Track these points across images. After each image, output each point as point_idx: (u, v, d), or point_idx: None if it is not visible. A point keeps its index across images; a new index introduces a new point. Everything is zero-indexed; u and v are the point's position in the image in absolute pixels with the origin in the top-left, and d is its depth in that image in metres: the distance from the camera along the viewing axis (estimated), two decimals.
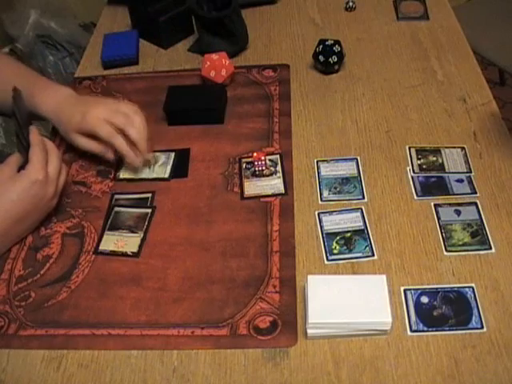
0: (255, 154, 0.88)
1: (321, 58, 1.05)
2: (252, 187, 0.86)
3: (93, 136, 0.88)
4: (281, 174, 0.87)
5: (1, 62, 0.98)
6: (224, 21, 1.07)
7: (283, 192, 0.85)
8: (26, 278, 0.77)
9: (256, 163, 0.88)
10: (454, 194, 0.83)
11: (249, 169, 0.89)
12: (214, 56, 1.03)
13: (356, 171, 0.87)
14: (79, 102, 0.91)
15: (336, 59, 1.04)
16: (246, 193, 0.85)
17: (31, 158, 0.78)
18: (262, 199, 0.84)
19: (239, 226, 0.81)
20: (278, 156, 0.90)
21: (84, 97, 0.95)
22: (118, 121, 0.86)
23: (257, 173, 0.88)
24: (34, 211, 0.79)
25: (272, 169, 0.88)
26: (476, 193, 0.82)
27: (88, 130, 0.87)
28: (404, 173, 0.87)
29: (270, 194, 0.85)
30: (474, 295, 0.70)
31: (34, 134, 0.80)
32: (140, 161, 0.88)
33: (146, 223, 0.82)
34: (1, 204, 0.75)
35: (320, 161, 0.89)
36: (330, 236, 0.78)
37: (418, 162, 0.88)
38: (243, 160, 0.90)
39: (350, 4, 1.23)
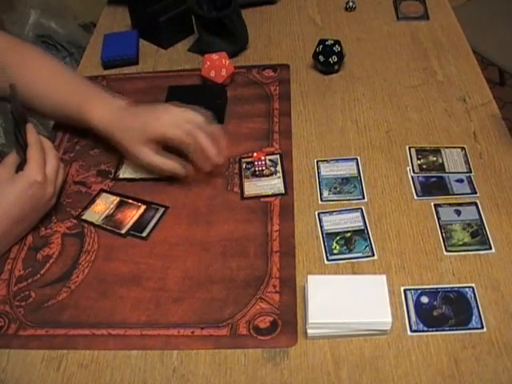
0: (255, 154, 0.88)
1: (321, 58, 1.05)
2: (252, 187, 0.86)
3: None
4: (281, 174, 0.87)
5: (51, 68, 0.94)
6: (224, 21, 1.07)
7: (283, 192, 0.85)
8: (26, 277, 0.77)
9: (256, 163, 0.88)
10: (454, 194, 0.83)
11: (249, 169, 0.89)
12: (214, 56, 1.03)
13: (356, 171, 0.87)
14: (138, 113, 0.85)
15: (336, 59, 1.04)
16: (246, 193, 0.85)
17: (29, 159, 0.77)
18: (262, 199, 0.84)
19: (239, 225, 0.81)
20: (277, 156, 0.90)
21: (140, 107, 0.87)
22: (187, 128, 0.81)
23: (257, 173, 0.88)
24: (32, 212, 0.79)
25: (272, 169, 0.88)
26: (476, 193, 0.82)
27: (158, 136, 0.82)
28: (404, 173, 0.87)
29: (270, 194, 0.85)
30: (474, 295, 0.70)
31: (31, 133, 0.79)
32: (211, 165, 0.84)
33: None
34: (0, 206, 0.75)
35: (320, 161, 0.89)
36: (329, 236, 0.78)
37: (418, 162, 0.88)
38: (243, 160, 0.90)
39: (350, 4, 1.23)
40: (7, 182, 0.76)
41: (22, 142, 0.79)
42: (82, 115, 0.88)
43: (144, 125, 0.82)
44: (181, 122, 0.83)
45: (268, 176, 0.87)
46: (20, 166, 0.78)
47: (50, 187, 0.79)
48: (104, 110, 0.87)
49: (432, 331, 0.67)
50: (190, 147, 0.82)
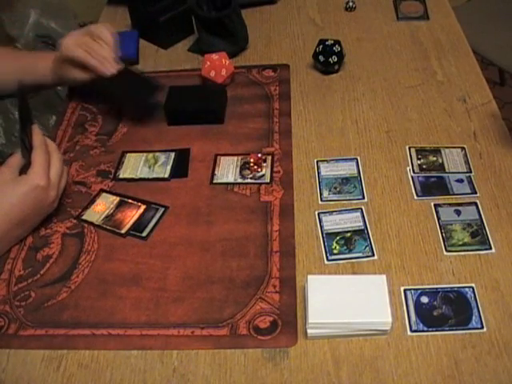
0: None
1: (321, 58, 1.05)
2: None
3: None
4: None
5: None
6: (224, 21, 1.07)
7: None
8: (26, 277, 0.77)
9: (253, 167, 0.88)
10: (454, 194, 0.83)
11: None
12: (214, 56, 1.03)
13: (356, 171, 0.87)
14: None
15: (336, 59, 1.04)
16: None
17: (33, 162, 0.77)
18: (261, 199, 0.84)
19: (239, 226, 0.81)
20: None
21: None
22: (86, 44, 0.94)
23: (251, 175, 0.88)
24: (33, 215, 0.79)
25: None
26: (476, 193, 0.82)
27: (66, 56, 0.95)
28: (404, 173, 0.87)
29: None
30: (474, 295, 0.70)
31: (37, 135, 0.79)
32: (111, 71, 0.93)
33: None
34: (1, 207, 0.75)
35: (320, 161, 0.89)
36: (329, 236, 0.78)
37: (418, 162, 0.88)
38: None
39: (350, 4, 1.23)
40: (10, 183, 0.76)
41: (27, 144, 0.78)
42: (38, 72, 0.98)
43: (60, 50, 0.96)
44: (80, 39, 0.94)
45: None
46: (24, 168, 0.78)
47: (53, 191, 0.79)
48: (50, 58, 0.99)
49: (432, 331, 0.67)
50: (86, 59, 0.94)
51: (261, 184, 0.86)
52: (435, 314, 0.69)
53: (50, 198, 0.79)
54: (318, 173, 0.87)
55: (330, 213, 0.81)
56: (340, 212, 0.81)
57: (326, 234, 0.79)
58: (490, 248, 0.75)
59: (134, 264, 0.77)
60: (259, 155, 0.88)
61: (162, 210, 0.84)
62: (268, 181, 0.86)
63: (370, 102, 1.00)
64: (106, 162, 0.93)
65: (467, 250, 0.75)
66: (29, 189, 0.76)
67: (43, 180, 0.77)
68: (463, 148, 0.89)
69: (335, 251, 0.77)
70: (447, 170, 0.86)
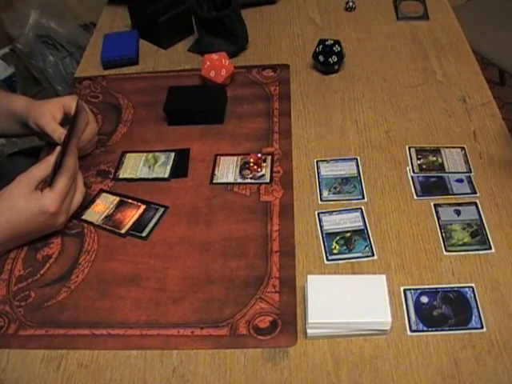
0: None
1: (321, 58, 1.05)
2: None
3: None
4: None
5: None
6: (224, 21, 1.07)
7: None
8: (26, 277, 0.77)
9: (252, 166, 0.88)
10: (454, 194, 0.83)
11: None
12: (214, 56, 1.03)
13: (356, 171, 0.87)
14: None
15: (336, 59, 1.04)
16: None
17: (56, 184, 0.76)
18: (261, 199, 0.84)
19: (239, 226, 0.81)
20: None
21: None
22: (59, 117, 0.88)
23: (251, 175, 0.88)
24: (36, 233, 0.79)
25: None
26: (476, 193, 0.82)
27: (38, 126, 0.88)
28: (404, 173, 0.87)
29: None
30: (474, 295, 0.70)
31: (72, 157, 0.78)
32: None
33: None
34: (6, 220, 0.74)
35: (320, 161, 0.89)
36: (329, 236, 0.78)
37: (418, 161, 0.88)
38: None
39: (350, 4, 1.23)
40: (22, 199, 0.74)
41: (58, 159, 0.76)
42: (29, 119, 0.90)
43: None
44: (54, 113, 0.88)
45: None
46: (45, 181, 0.76)
47: (62, 217, 0.78)
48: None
49: (432, 331, 0.67)
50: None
51: (261, 184, 0.86)
52: (435, 313, 0.69)
53: (56, 223, 0.78)
54: (318, 173, 0.87)
55: (330, 213, 0.81)
56: (340, 212, 0.81)
57: (326, 233, 0.79)
58: (490, 248, 0.75)
59: (133, 264, 0.77)
60: (259, 155, 0.88)
61: (161, 210, 0.84)
62: (268, 181, 0.86)
63: (369, 102, 1.00)
64: (105, 162, 0.93)
65: (467, 250, 0.75)
66: (38, 212, 0.75)
67: (54, 207, 0.75)
68: (463, 148, 0.89)
69: (335, 251, 0.77)
70: (447, 170, 0.86)
